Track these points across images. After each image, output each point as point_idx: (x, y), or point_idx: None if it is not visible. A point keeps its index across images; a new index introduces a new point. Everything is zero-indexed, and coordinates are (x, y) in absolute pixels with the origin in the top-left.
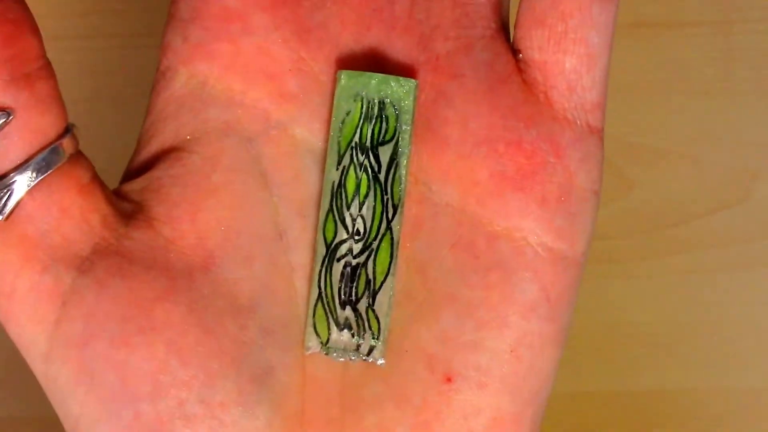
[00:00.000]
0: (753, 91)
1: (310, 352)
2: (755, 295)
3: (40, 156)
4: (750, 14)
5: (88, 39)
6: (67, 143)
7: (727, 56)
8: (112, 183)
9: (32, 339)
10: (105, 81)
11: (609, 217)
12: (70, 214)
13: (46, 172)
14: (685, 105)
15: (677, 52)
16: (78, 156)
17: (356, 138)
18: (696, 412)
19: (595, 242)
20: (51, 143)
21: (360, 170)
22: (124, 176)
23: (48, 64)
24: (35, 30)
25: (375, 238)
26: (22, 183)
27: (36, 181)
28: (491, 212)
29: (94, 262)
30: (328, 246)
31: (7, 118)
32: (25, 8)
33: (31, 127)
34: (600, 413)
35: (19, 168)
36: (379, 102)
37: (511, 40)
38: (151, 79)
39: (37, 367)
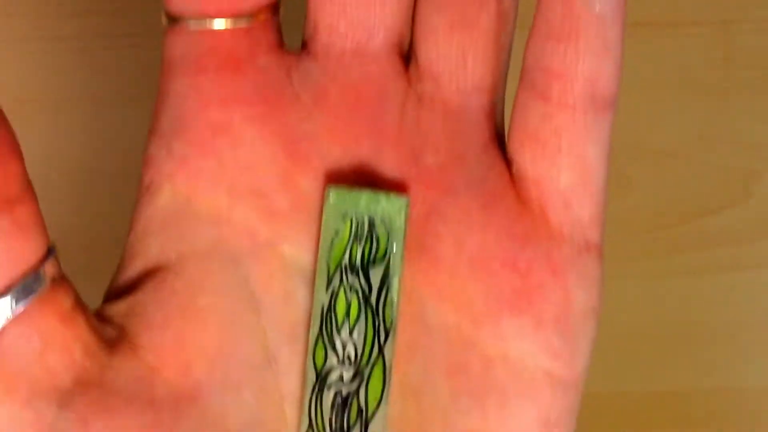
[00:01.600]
0: (753, 91)
1: None
2: (755, 295)
3: (20, 284)
4: (750, 14)
5: (88, 39)
6: (48, 267)
7: (727, 56)
8: (112, 186)
9: None
10: (105, 81)
11: (609, 217)
12: (52, 345)
13: (27, 300)
14: (685, 105)
15: (677, 52)
16: (60, 280)
17: (346, 259)
18: (696, 412)
19: None
20: (32, 269)
21: (350, 292)
22: (107, 294)
23: (29, 187)
24: (17, 152)
25: (367, 365)
26: (2, 312)
27: (16, 310)
28: (486, 334)
29: (76, 396)
30: (318, 373)
31: None
32: (8, 129)
33: (11, 254)
34: (600, 413)
35: None
36: (369, 221)
37: (506, 149)
38: (151, 79)
39: None
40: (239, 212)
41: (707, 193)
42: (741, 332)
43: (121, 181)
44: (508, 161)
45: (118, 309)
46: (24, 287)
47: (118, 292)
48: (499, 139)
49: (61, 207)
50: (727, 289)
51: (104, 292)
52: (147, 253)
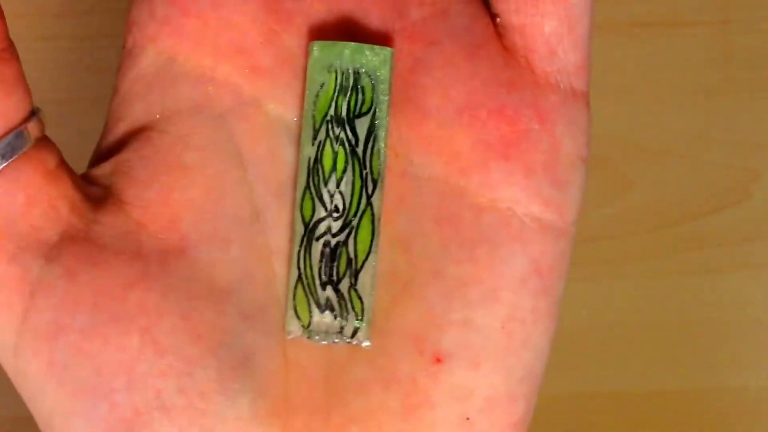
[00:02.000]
0: (753, 91)
1: (291, 336)
2: (755, 295)
3: (4, 141)
4: (750, 14)
5: (87, 39)
6: (32, 127)
7: (727, 56)
8: None
9: (0, 331)
10: (105, 81)
11: (609, 217)
12: (36, 201)
13: (11, 157)
14: (685, 105)
15: (677, 52)
16: (44, 140)
17: (331, 111)
18: (696, 412)
19: (595, 242)
20: (15, 127)
21: (336, 144)
22: (92, 160)
23: (11, 45)
24: None
25: (355, 215)
26: None
27: (0, 167)
28: (475, 184)
29: (63, 250)
30: (306, 225)
31: None
32: None
33: None
34: (600, 413)
35: None
36: (354, 72)
37: (489, 2)
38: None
39: (6, 360)
40: (223, 70)
41: (707, 193)
42: (741, 332)
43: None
44: (491, 15)
45: (103, 170)
46: (8, 144)
47: (103, 155)
48: None
49: None
50: (727, 289)
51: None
52: (131, 114)
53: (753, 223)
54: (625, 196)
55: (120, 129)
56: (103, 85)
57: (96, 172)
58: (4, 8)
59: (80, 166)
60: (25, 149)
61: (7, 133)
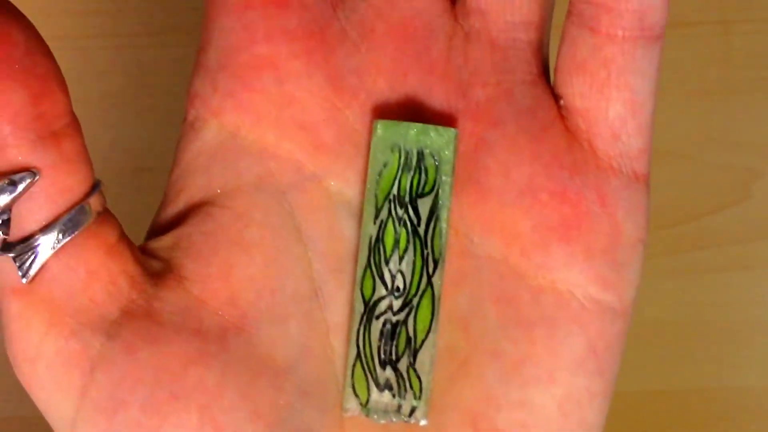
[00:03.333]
0: (753, 91)
1: (349, 414)
2: (755, 295)
3: (66, 216)
4: (750, 14)
5: (88, 39)
6: (94, 201)
7: (727, 56)
8: (113, 183)
9: (58, 405)
10: (105, 81)
11: None
12: (97, 277)
13: (73, 233)
14: (685, 105)
15: (677, 52)
16: (105, 214)
17: (394, 190)
18: (696, 412)
19: None
20: (78, 202)
21: (399, 224)
22: (150, 231)
23: (75, 120)
24: (63, 85)
25: (415, 295)
26: (48, 244)
27: (62, 243)
28: (535, 265)
29: (123, 326)
30: (366, 303)
31: (33, 178)
32: (53, 62)
33: (58, 186)
34: None
35: (45, 229)
36: (418, 152)
37: (552, 84)
38: (151, 79)
39: None
40: (285, 146)
41: (707, 193)
42: (741, 332)
43: (122, 180)
44: (555, 96)
45: (163, 243)
46: (70, 220)
47: (162, 228)
48: (546, 75)
49: None
50: (727, 289)
51: (147, 231)
52: (192, 187)
53: (753, 223)
54: None
55: (180, 201)
56: (103, 85)
57: (155, 245)
58: None
59: None
60: (86, 224)
61: (69, 209)
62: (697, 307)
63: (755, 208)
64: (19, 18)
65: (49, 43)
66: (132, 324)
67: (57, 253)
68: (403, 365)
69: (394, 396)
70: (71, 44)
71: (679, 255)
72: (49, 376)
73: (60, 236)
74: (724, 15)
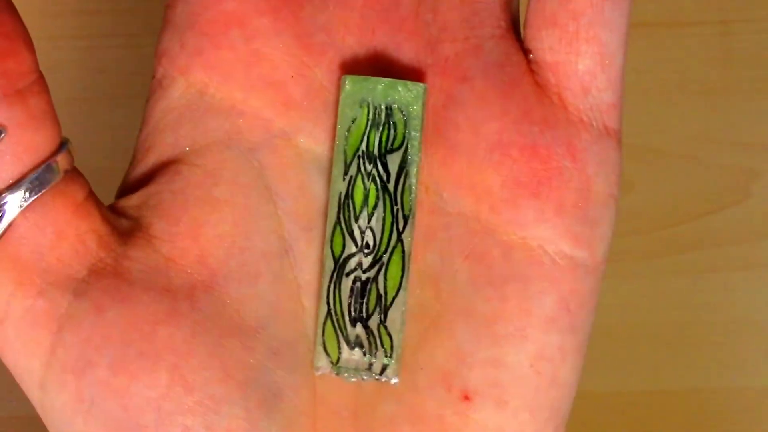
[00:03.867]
0: (753, 91)
1: (320, 372)
2: (755, 295)
3: (33, 174)
4: (750, 14)
5: (88, 39)
6: (61, 160)
7: (727, 56)
8: (112, 182)
9: (27, 365)
10: (105, 81)
11: None
12: (65, 235)
13: (40, 191)
14: (685, 105)
15: (677, 52)
16: (73, 173)
17: (363, 146)
18: (696, 412)
19: None
20: (45, 161)
21: (368, 180)
22: (120, 191)
23: (41, 78)
24: (29, 43)
25: (385, 251)
26: (14, 203)
27: (29, 201)
28: (506, 221)
29: (91, 285)
30: (336, 260)
31: (0, 136)
32: (18, 21)
33: (24, 144)
34: (600, 413)
35: (12, 187)
36: (387, 108)
37: (522, 39)
38: (151, 79)
39: (33, 394)
40: (254, 103)
41: (707, 193)
42: (741, 332)
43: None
44: (524, 51)
45: (131, 202)
46: (37, 178)
47: (132, 187)
48: (515, 30)
49: None
50: (727, 289)
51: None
52: (161, 146)
53: (753, 223)
54: (625, 196)
55: (149, 160)
56: (103, 85)
57: (124, 204)
58: None
59: (82, 172)
60: (54, 183)
61: (36, 167)
62: (697, 307)
63: (755, 208)
64: None
65: (48, 43)
66: (100, 283)
67: (24, 212)
68: (373, 323)
69: (365, 354)
70: (71, 44)
71: (679, 255)
72: (17, 335)
73: (27, 195)
74: (724, 15)
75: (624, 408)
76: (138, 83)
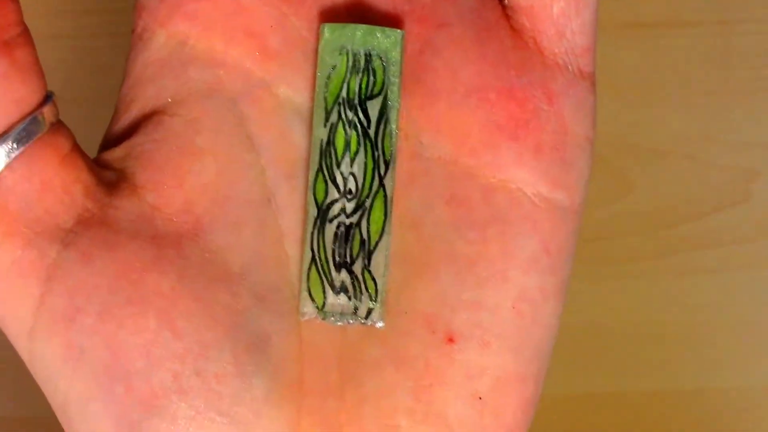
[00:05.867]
0: (753, 91)
1: (306, 317)
2: (755, 295)
3: (20, 126)
4: (750, 14)
5: (88, 39)
6: (47, 111)
7: (727, 56)
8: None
9: (15, 315)
10: (105, 80)
11: (609, 217)
12: (51, 186)
13: (27, 142)
14: (685, 105)
15: (677, 52)
16: (58, 125)
17: (343, 93)
18: (696, 412)
19: (595, 242)
20: (31, 113)
21: (349, 127)
22: (103, 144)
23: (26, 31)
24: None
25: (368, 197)
26: (1, 154)
27: (16, 153)
28: (485, 164)
29: (78, 234)
30: (319, 207)
31: None
32: None
33: (10, 96)
34: (600, 414)
35: None
36: (366, 54)
37: None
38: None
39: (22, 344)
40: (234, 54)
41: (707, 193)
42: (741, 332)
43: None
44: None
45: (116, 154)
46: (23, 130)
47: (115, 139)
48: None
49: None
50: (727, 289)
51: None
52: (143, 98)
53: (753, 223)
54: (625, 196)
55: (131, 112)
56: (103, 84)
57: (108, 156)
58: None
59: None
60: (40, 134)
61: (22, 119)
62: (697, 307)
63: (755, 208)
64: None
65: (48, 42)
66: (87, 232)
67: (10, 164)
68: (358, 267)
69: (350, 298)
70: (71, 44)
71: (679, 255)
72: (5, 286)
73: (13, 146)
74: (724, 15)
75: (624, 408)
76: None
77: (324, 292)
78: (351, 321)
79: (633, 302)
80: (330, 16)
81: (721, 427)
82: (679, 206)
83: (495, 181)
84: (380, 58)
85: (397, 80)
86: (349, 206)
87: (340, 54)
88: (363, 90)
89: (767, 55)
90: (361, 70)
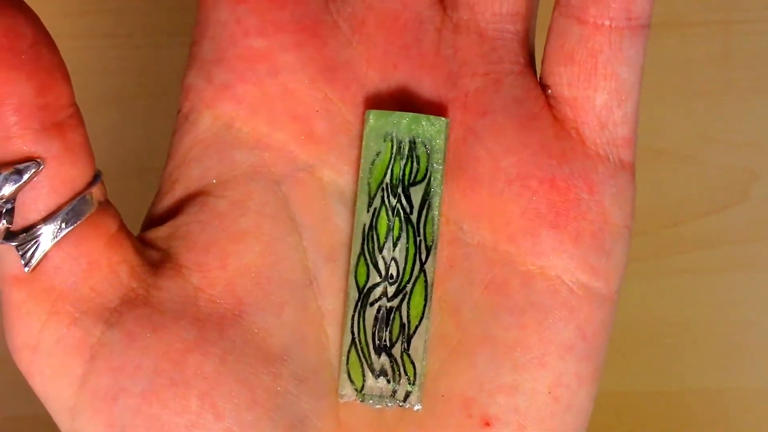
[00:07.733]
0: (753, 91)
1: (345, 399)
2: (755, 295)
3: (68, 206)
4: (750, 14)
5: (88, 39)
6: (95, 192)
7: (727, 56)
8: (112, 182)
9: (58, 392)
10: (105, 81)
11: None
12: (98, 266)
13: (75, 223)
14: (685, 105)
15: (677, 52)
16: (105, 205)
17: (387, 179)
18: (695, 412)
19: None
20: (80, 193)
21: (392, 212)
22: (146, 222)
23: (77, 112)
24: (66, 77)
25: (409, 281)
26: (49, 234)
27: (64, 233)
28: (524, 251)
29: (123, 314)
30: (360, 290)
31: (37, 168)
32: (57, 55)
33: (61, 177)
34: (600, 414)
35: (47, 219)
36: (410, 141)
37: (539, 75)
38: (151, 79)
39: (63, 421)
40: (279, 137)
41: (707, 193)
42: (741, 332)
43: (123, 181)
44: (542, 86)
45: (160, 233)
46: (72, 210)
47: (159, 218)
48: (533, 66)
49: None
50: (727, 289)
51: (142, 221)
52: (188, 178)
53: (753, 223)
54: None
55: (176, 192)
56: (103, 84)
57: (152, 235)
58: None
59: None
60: (88, 214)
61: (72, 199)
62: (697, 307)
63: (755, 208)
64: (25, 11)
65: None
66: (132, 312)
67: (59, 243)
68: (397, 351)
69: (388, 381)
70: (71, 44)
71: (679, 255)
72: (50, 364)
73: (62, 226)
74: (724, 15)
75: (624, 408)
76: (139, 83)
77: (363, 374)
78: (389, 404)
79: (633, 302)
80: (374, 101)
81: (721, 427)
82: (679, 206)
83: (534, 268)
84: (424, 145)
85: (440, 167)
86: (391, 290)
87: (385, 141)
88: (407, 176)
89: (767, 55)
90: (405, 156)
